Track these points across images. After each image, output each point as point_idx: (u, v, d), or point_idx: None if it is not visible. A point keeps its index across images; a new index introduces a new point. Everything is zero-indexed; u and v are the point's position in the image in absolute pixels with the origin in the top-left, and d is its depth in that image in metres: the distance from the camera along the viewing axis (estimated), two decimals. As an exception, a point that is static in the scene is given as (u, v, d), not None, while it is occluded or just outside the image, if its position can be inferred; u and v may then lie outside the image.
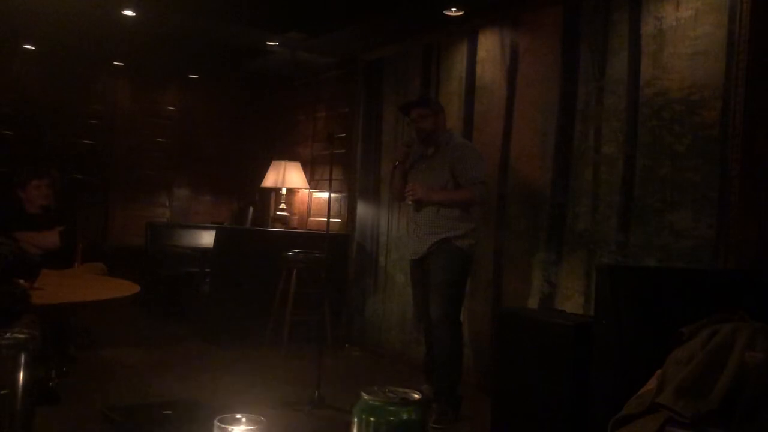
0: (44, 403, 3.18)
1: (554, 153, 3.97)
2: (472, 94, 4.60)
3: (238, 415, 0.96)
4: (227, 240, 5.55)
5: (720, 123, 3.14)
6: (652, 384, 2.18)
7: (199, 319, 5.45)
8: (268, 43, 5.67)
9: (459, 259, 3.64)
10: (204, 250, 5.91)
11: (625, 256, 3.51)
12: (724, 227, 3.09)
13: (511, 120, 4.29)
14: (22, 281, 2.64)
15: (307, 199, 6.56)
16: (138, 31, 5.47)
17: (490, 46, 4.50)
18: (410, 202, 3.78)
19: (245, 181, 7.29)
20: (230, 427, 0.94)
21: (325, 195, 6.10)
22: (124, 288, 3.40)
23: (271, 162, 6.39)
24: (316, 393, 3.60)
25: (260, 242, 5.66)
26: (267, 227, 6.50)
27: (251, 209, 6.89)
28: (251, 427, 0.94)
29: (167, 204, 7.29)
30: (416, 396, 0.90)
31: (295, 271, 5.07)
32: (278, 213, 6.40)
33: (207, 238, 6.04)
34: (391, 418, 0.86)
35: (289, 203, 6.59)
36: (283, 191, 6.41)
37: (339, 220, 5.89)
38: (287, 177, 6.23)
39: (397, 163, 3.93)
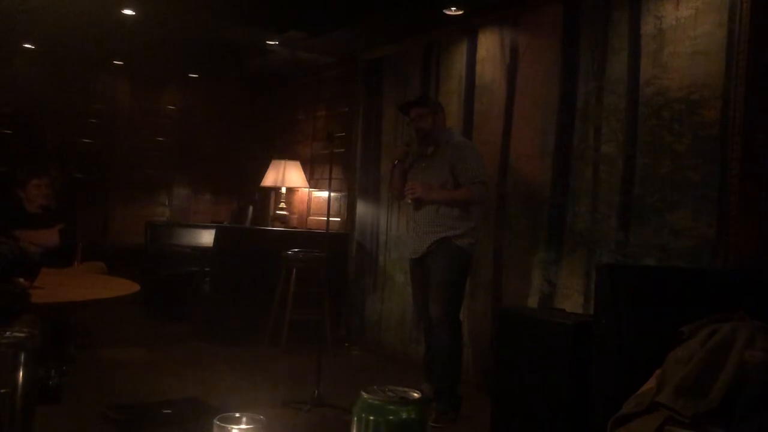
0: (44, 402, 3.18)
1: (554, 152, 3.97)
2: (472, 93, 4.60)
3: (238, 414, 0.96)
4: (227, 239, 5.55)
5: (720, 122, 3.14)
6: (651, 383, 2.18)
7: (199, 318, 5.45)
8: (268, 42, 5.67)
9: (459, 258, 3.64)
10: (204, 250, 5.91)
11: (624, 255, 3.51)
12: (723, 227, 3.09)
13: (510, 119, 4.29)
14: (21, 280, 2.64)
15: (306, 198, 6.56)
16: (138, 30, 5.47)
17: (490, 45, 4.50)
18: (410, 201, 3.78)
19: (245, 181, 7.29)
20: (230, 426, 0.93)
21: (324, 194, 6.10)
22: (124, 287, 3.41)
23: (270, 161, 6.39)
24: (316, 392, 3.60)
25: (260, 241, 5.66)
26: (267, 226, 6.50)
27: (251, 208, 6.89)
28: (251, 426, 0.94)
29: (167, 203, 7.29)
30: (416, 395, 0.90)
31: (294, 271, 5.07)
32: (278, 212, 6.40)
33: (207, 238, 6.05)
34: (391, 417, 0.86)
35: (288, 202, 6.59)
36: (283, 190, 6.41)
37: (339, 219, 5.89)
38: (287, 176, 6.23)
39: (396, 161, 3.93)
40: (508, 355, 3.11)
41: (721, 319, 2.25)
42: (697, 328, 2.25)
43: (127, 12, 4.99)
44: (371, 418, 0.86)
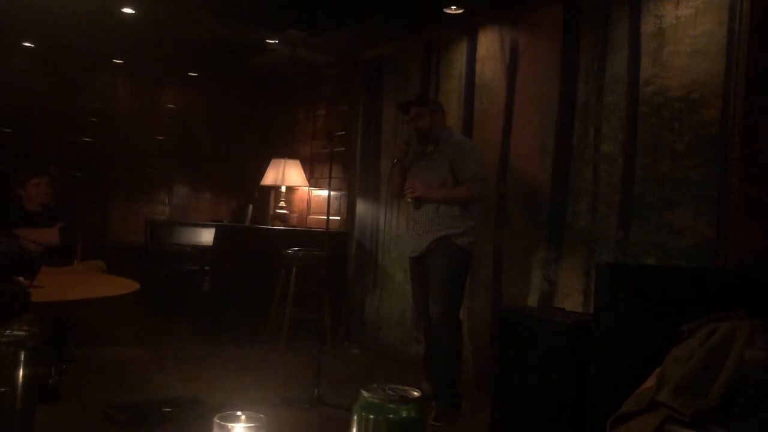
0: (44, 400, 3.17)
1: (554, 151, 3.97)
2: (472, 92, 4.60)
3: (238, 413, 0.96)
4: (227, 238, 5.55)
5: (720, 121, 3.14)
6: (651, 382, 2.18)
7: (199, 316, 5.46)
8: (268, 41, 5.66)
9: (458, 256, 3.64)
10: (204, 248, 5.90)
11: (624, 254, 3.51)
12: (723, 226, 3.09)
13: (510, 118, 4.29)
14: (21, 279, 2.64)
15: (306, 197, 6.55)
16: (138, 29, 5.46)
17: (490, 44, 4.49)
18: (409, 200, 3.78)
19: (245, 179, 7.28)
20: (230, 425, 0.94)
21: (324, 193, 6.10)
22: (124, 285, 3.41)
23: (270, 160, 6.39)
24: (316, 390, 3.60)
25: (260, 240, 5.66)
26: (266, 225, 6.50)
27: (251, 207, 6.89)
28: (251, 425, 0.94)
29: (167, 202, 7.29)
30: (416, 394, 0.90)
31: (294, 269, 5.07)
32: (278, 211, 6.40)
33: (207, 236, 6.05)
34: (391, 416, 0.86)
35: (288, 201, 6.59)
36: (283, 189, 6.41)
37: (338, 218, 5.89)
38: (287, 175, 6.23)
39: (396, 160, 3.93)
40: (508, 354, 3.11)
41: (721, 318, 2.25)
42: (697, 327, 2.25)
43: (127, 11, 4.99)
44: (371, 416, 0.86)
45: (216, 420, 0.95)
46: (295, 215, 6.61)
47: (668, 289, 2.56)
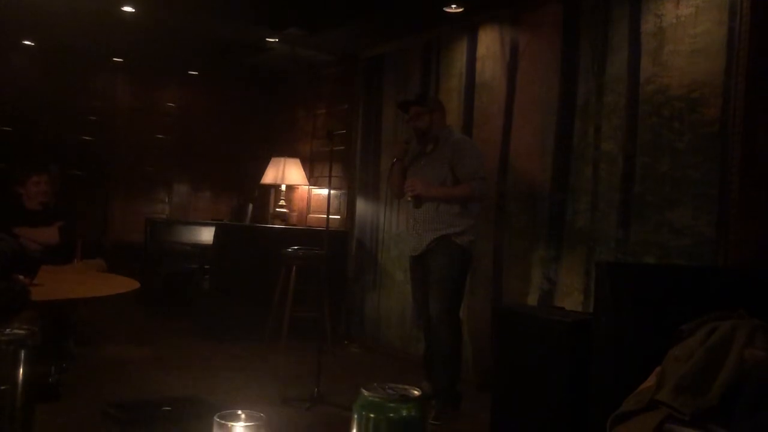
0: (44, 399, 3.18)
1: (554, 150, 3.97)
2: (472, 90, 4.59)
3: (238, 412, 0.96)
4: (227, 236, 5.55)
5: (720, 120, 3.14)
6: (651, 381, 2.19)
7: (199, 315, 5.46)
8: (267, 39, 5.66)
9: (458, 255, 3.64)
10: (203, 247, 5.91)
11: (624, 253, 3.51)
12: (723, 225, 3.09)
13: (510, 117, 4.28)
14: (21, 277, 2.64)
15: (306, 195, 6.55)
16: (138, 27, 5.46)
17: (490, 43, 4.49)
18: (409, 199, 3.78)
19: (245, 178, 7.28)
20: (230, 424, 0.94)
21: (324, 192, 6.10)
22: (124, 284, 3.41)
23: (270, 159, 6.38)
24: (316, 389, 3.60)
25: (260, 239, 5.66)
26: (266, 224, 6.50)
27: (251, 206, 6.89)
28: (251, 424, 0.94)
29: (167, 200, 7.28)
30: (416, 393, 0.90)
31: (294, 268, 5.07)
32: (278, 210, 6.39)
33: (206, 235, 6.05)
34: (391, 415, 0.86)
35: (288, 200, 6.59)
36: (283, 188, 6.40)
37: (338, 216, 5.89)
38: (287, 174, 6.23)
39: (395, 159, 3.93)
40: (508, 353, 3.12)
41: (721, 317, 2.25)
42: (697, 327, 2.25)
43: (127, 9, 4.98)
44: (371, 415, 0.86)
45: (216, 419, 0.95)
46: (295, 214, 6.61)
47: (668, 288, 2.56)
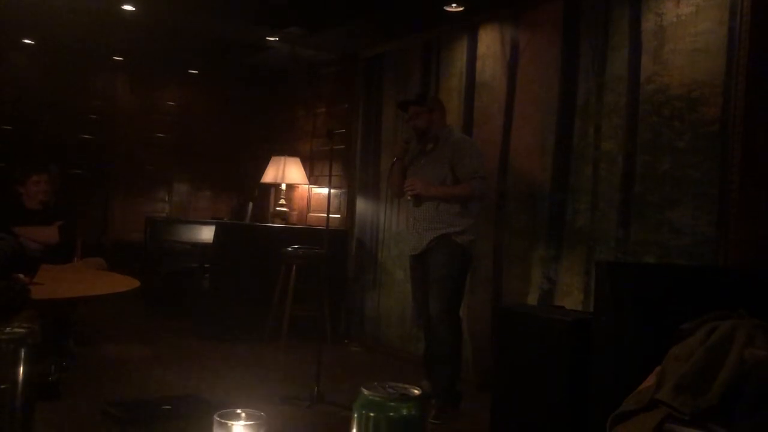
0: (44, 398, 3.18)
1: (554, 150, 3.97)
2: (472, 90, 4.59)
3: (238, 410, 0.96)
4: (227, 235, 5.55)
5: (720, 120, 3.14)
6: (651, 380, 2.18)
7: (199, 314, 5.46)
8: (267, 38, 5.66)
9: (458, 254, 3.64)
10: (203, 246, 5.91)
11: (624, 252, 3.51)
12: (724, 224, 3.09)
13: (511, 116, 4.28)
14: (21, 276, 2.64)
15: (306, 194, 6.55)
16: (138, 26, 5.46)
17: (490, 42, 4.49)
18: (409, 198, 3.78)
19: (245, 177, 7.28)
20: (230, 422, 0.94)
21: (324, 191, 6.10)
22: (124, 283, 3.40)
23: (270, 158, 6.38)
24: (316, 388, 3.60)
25: (260, 238, 5.66)
26: (266, 223, 6.50)
27: (251, 205, 6.89)
28: (251, 423, 0.94)
29: (167, 199, 7.28)
30: (416, 392, 0.90)
31: (294, 267, 5.07)
32: (278, 209, 6.39)
33: (206, 234, 6.04)
34: (391, 414, 0.86)
35: (288, 199, 6.59)
36: (283, 187, 6.40)
37: (338, 216, 5.89)
38: (287, 173, 6.23)
39: (395, 159, 3.93)
40: (508, 353, 3.12)
41: (721, 316, 2.25)
42: (697, 326, 2.25)
43: (127, 8, 4.98)
44: (371, 414, 0.86)
45: (216, 418, 0.95)
46: (295, 213, 6.61)
47: (668, 287, 2.56)
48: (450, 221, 3.64)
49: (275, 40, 5.69)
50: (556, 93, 3.97)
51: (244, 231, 5.96)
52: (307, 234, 5.58)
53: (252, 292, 5.27)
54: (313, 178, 6.42)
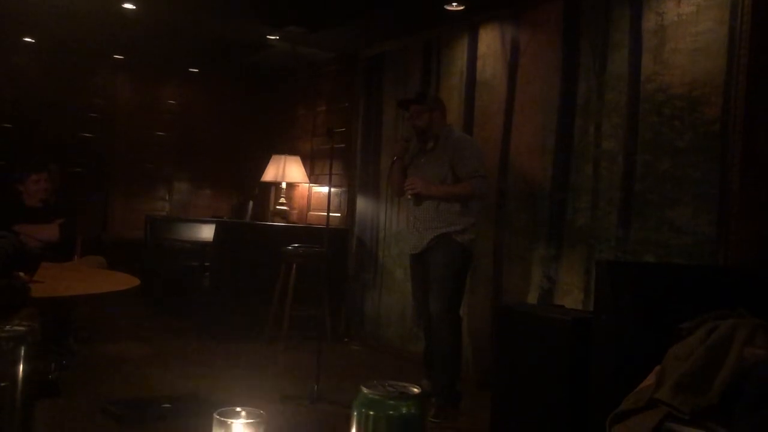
0: (44, 396, 3.17)
1: (554, 149, 3.97)
2: (473, 89, 4.59)
3: (238, 409, 0.97)
4: (227, 234, 5.55)
5: (721, 119, 3.14)
6: (650, 380, 2.19)
7: (199, 313, 5.46)
8: (268, 37, 5.66)
9: (459, 254, 3.64)
10: (204, 244, 5.90)
11: (624, 252, 3.51)
12: (724, 223, 3.09)
13: (511, 115, 4.28)
14: (21, 274, 2.64)
15: (306, 193, 6.55)
16: (138, 24, 5.46)
17: (490, 41, 4.49)
18: (409, 197, 3.78)
19: (245, 175, 7.28)
20: (230, 421, 0.94)
21: (324, 189, 6.10)
22: (124, 281, 3.40)
23: (271, 156, 6.38)
24: (316, 387, 3.60)
25: (260, 236, 5.66)
26: (267, 221, 6.50)
27: (251, 203, 6.89)
28: (251, 421, 0.94)
29: (167, 197, 7.28)
30: (416, 390, 0.90)
31: (294, 266, 5.07)
32: (278, 207, 6.40)
33: (207, 232, 6.04)
34: (391, 413, 0.86)
35: (288, 198, 6.59)
36: (283, 185, 6.40)
37: (339, 214, 5.89)
38: (287, 171, 6.23)
39: (395, 158, 3.93)
40: (508, 352, 3.12)
41: (721, 316, 2.25)
42: (697, 325, 2.25)
43: (128, 6, 4.98)
44: (371, 413, 0.86)
45: (216, 416, 0.95)
46: (296, 212, 6.61)
47: (668, 286, 2.56)
48: (450, 220, 3.64)
49: (276, 39, 5.69)
50: (557, 92, 3.97)
51: (244, 230, 5.96)
52: (308, 233, 5.58)
53: (252, 290, 5.27)
54: (314, 177, 6.42)
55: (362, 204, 5.63)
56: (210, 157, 7.34)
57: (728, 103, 3.11)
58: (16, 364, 1.00)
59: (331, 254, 5.18)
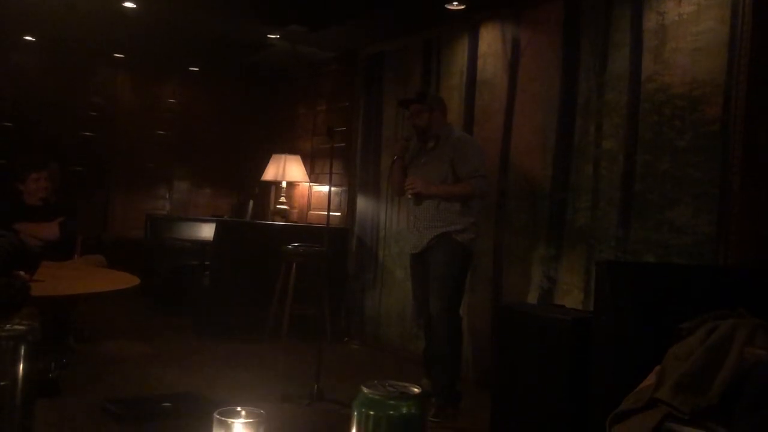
0: (44, 395, 3.19)
1: (555, 148, 3.97)
2: (473, 88, 4.59)
3: (238, 408, 0.96)
4: (227, 233, 5.54)
5: (721, 119, 3.14)
6: (651, 379, 2.19)
7: (199, 312, 5.46)
8: (268, 36, 5.65)
9: (459, 253, 3.64)
10: (204, 243, 5.91)
11: (624, 251, 3.51)
12: (724, 223, 3.09)
13: (511, 115, 4.28)
14: (22, 273, 2.64)
15: (307, 192, 6.55)
16: (138, 23, 5.46)
17: (491, 40, 4.49)
18: (410, 197, 3.78)
19: (245, 174, 7.28)
20: (230, 420, 0.94)
21: (325, 189, 6.10)
22: (124, 280, 3.41)
23: (271, 155, 6.38)
24: (316, 387, 3.60)
25: (260, 236, 5.66)
26: (267, 221, 6.50)
27: (251, 202, 6.89)
28: (251, 421, 0.94)
29: (167, 196, 7.29)
30: (416, 390, 0.90)
31: (294, 265, 5.07)
32: (278, 206, 6.40)
33: (207, 231, 6.05)
34: (391, 413, 0.86)
35: (289, 197, 6.59)
36: (284, 185, 6.40)
37: (339, 213, 5.89)
38: (287, 170, 6.23)
39: (396, 157, 3.93)
40: (508, 351, 3.12)
41: (721, 316, 2.25)
42: (697, 325, 2.25)
43: (128, 5, 4.98)
44: (371, 413, 0.86)
45: (216, 415, 0.95)
46: (296, 211, 6.61)
47: (668, 286, 2.56)
48: (450, 220, 3.63)
49: (276, 38, 5.68)
50: (557, 91, 3.97)
51: (244, 229, 5.96)
52: (308, 232, 5.58)
53: (252, 289, 5.27)
54: (314, 176, 6.42)
55: (362, 203, 5.63)
56: (210, 156, 7.34)
57: (729, 102, 3.11)
58: (16, 363, 1.00)
59: (332, 253, 5.18)
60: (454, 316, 3.66)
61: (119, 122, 6.94)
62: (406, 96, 4.33)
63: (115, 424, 3.13)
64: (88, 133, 6.74)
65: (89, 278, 3.61)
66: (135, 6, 5.00)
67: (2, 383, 0.99)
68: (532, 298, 4.00)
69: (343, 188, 5.88)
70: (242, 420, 0.94)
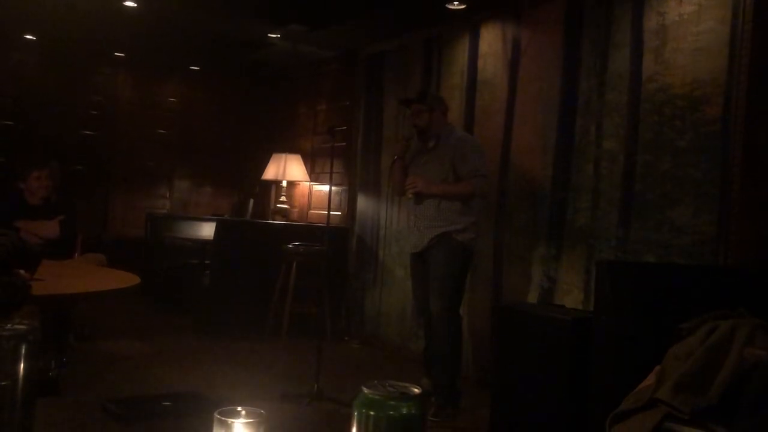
0: (44, 394, 3.19)
1: (555, 148, 3.97)
2: (474, 88, 4.59)
3: (238, 408, 0.97)
4: (227, 232, 5.55)
5: (722, 119, 3.14)
6: (650, 379, 2.19)
7: (199, 311, 5.46)
8: (269, 35, 5.66)
9: (459, 252, 3.64)
10: (204, 242, 5.91)
11: (625, 251, 3.51)
12: (724, 223, 3.09)
13: (512, 114, 4.28)
14: (22, 272, 2.64)
15: (307, 191, 6.55)
16: (139, 22, 5.46)
17: (492, 40, 4.48)
18: (410, 196, 3.78)
19: (246, 173, 7.28)
20: (230, 420, 0.94)
21: (325, 188, 6.10)
22: (124, 279, 3.41)
23: (271, 154, 6.38)
24: (316, 386, 3.60)
25: (260, 235, 5.66)
26: (267, 220, 6.50)
27: (252, 201, 6.89)
28: (251, 420, 0.94)
29: (167, 195, 7.29)
30: (416, 390, 0.90)
31: (294, 264, 5.07)
32: (279, 205, 6.40)
33: (207, 230, 6.05)
34: (391, 412, 0.86)
35: (289, 196, 6.59)
36: (284, 184, 6.41)
37: (339, 213, 5.89)
38: (288, 169, 6.23)
39: (396, 157, 3.93)
40: (508, 351, 3.12)
41: (721, 316, 2.25)
42: (697, 325, 2.25)
43: (129, 4, 4.98)
44: (371, 412, 0.86)
45: (216, 415, 0.95)
46: (296, 210, 6.61)
47: (668, 286, 2.56)
48: (451, 219, 3.64)
49: (277, 37, 5.69)
50: (558, 91, 3.97)
51: (244, 228, 5.97)
52: (308, 231, 5.58)
53: (252, 288, 5.27)
54: (314, 175, 6.42)
55: (363, 202, 5.63)
56: (211, 155, 7.34)
57: (729, 102, 3.11)
58: (17, 363, 1.00)
59: (332, 253, 5.19)
60: (454, 316, 3.66)
61: (120, 121, 6.94)
62: (407, 95, 4.33)
63: (115, 423, 3.13)
64: (88, 132, 6.74)
65: (89, 277, 3.61)
66: (135, 5, 5.00)
67: (2, 383, 0.99)
68: (532, 297, 4.00)
69: (344, 187, 5.88)
70: (242, 419, 0.94)
